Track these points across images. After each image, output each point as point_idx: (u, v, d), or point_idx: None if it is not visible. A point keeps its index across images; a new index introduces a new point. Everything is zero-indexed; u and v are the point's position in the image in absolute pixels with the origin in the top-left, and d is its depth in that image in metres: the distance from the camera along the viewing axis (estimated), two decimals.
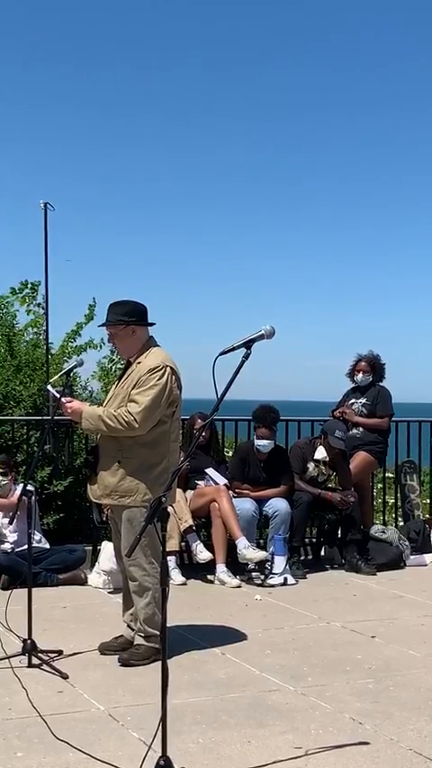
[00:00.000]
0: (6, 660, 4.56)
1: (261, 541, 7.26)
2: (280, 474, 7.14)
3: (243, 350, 3.46)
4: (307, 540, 7.67)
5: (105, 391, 8.39)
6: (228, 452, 8.38)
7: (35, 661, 4.55)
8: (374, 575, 7.04)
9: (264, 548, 6.98)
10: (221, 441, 8.00)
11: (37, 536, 6.51)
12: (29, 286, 9.17)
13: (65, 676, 4.39)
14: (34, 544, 5.68)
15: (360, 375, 7.87)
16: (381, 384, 7.91)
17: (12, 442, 7.62)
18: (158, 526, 3.28)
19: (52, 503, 7.62)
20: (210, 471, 7.10)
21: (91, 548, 6.95)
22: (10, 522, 6.33)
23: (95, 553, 6.73)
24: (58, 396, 5.00)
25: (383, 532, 7.51)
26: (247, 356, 3.45)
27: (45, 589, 6.17)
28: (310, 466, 7.29)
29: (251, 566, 6.70)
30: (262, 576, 6.65)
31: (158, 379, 4.66)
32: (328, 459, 7.24)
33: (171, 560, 6.56)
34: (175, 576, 6.50)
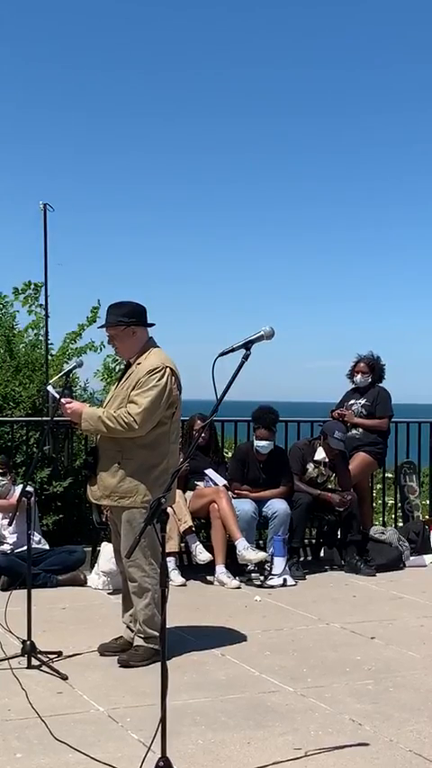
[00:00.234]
0: (6, 661, 4.56)
1: (260, 542, 7.26)
2: (279, 475, 7.13)
3: (242, 351, 3.46)
4: (306, 541, 7.67)
5: (107, 392, 8.38)
6: (227, 453, 8.37)
7: (34, 662, 4.55)
8: (374, 576, 7.03)
9: (263, 549, 6.98)
10: (221, 442, 8.00)
11: (36, 537, 6.51)
12: (32, 286, 9.14)
13: (64, 677, 4.39)
14: (33, 545, 5.68)
15: (359, 376, 7.87)
16: (380, 385, 7.91)
17: (11, 442, 7.61)
18: (158, 527, 3.28)
19: (52, 504, 7.62)
20: (209, 472, 7.10)
21: (90, 549, 6.94)
22: (9, 524, 6.34)
23: (95, 554, 6.72)
24: (57, 396, 5.00)
25: (383, 533, 7.51)
26: (246, 357, 3.45)
27: (44, 590, 6.15)
28: (310, 467, 7.29)
29: (250, 567, 6.69)
30: (261, 577, 6.64)
31: (158, 381, 4.66)
32: (327, 460, 7.24)
33: (170, 561, 6.55)
34: (175, 577, 6.49)
